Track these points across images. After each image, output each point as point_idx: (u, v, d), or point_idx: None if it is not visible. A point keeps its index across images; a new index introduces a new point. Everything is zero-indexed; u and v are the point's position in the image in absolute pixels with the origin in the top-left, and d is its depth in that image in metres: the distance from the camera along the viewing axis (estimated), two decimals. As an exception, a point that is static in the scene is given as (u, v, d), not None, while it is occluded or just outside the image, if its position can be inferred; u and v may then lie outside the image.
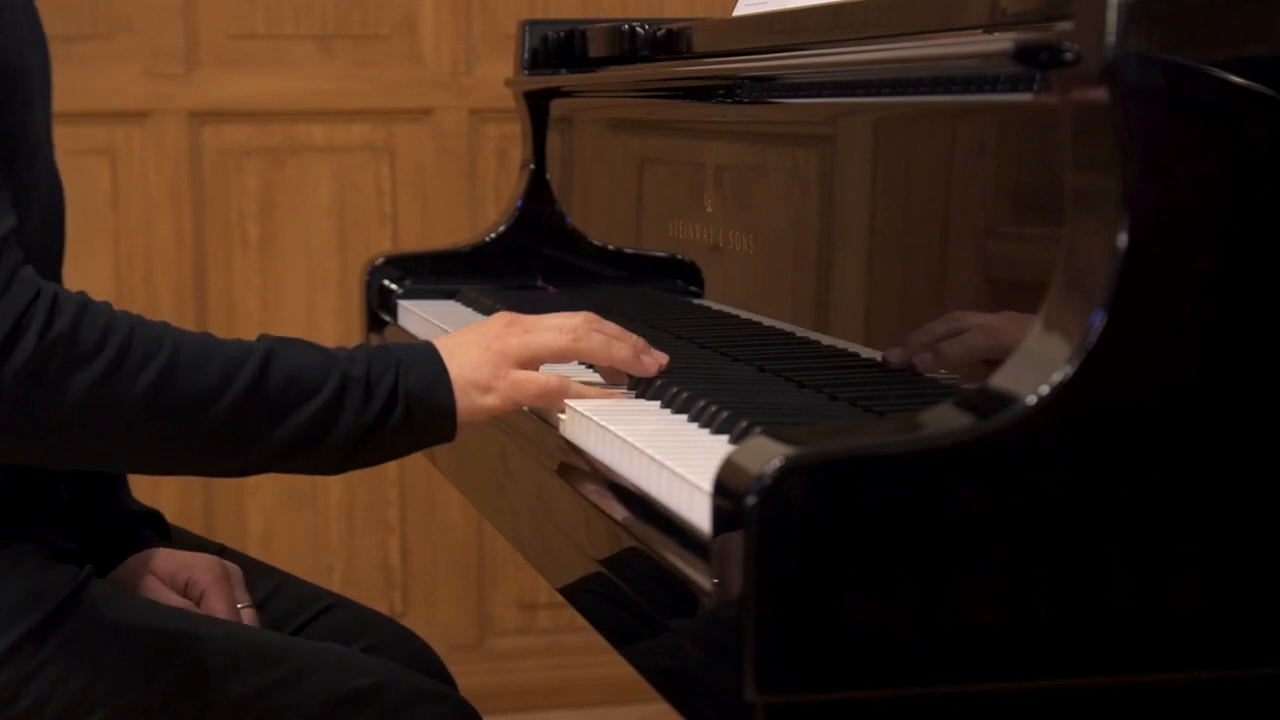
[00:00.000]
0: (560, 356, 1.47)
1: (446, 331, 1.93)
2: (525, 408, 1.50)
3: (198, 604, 1.60)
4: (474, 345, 1.45)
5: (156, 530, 1.69)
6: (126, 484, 1.72)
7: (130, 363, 1.33)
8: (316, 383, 1.39)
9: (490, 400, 1.44)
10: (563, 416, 1.47)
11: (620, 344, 1.49)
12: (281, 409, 1.37)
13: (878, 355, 1.43)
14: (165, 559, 1.63)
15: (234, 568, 1.65)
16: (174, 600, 1.58)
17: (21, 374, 1.30)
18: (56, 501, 1.60)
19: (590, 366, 1.58)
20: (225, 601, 1.61)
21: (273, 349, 1.39)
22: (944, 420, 1.04)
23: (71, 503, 1.63)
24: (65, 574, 1.48)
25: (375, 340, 2.27)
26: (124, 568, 1.62)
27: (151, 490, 3.03)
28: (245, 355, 1.38)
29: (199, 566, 1.63)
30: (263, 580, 1.71)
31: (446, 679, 1.70)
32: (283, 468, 1.41)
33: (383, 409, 1.39)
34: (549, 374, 1.47)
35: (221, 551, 1.70)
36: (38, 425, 1.32)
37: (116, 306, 1.37)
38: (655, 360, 1.50)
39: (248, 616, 1.62)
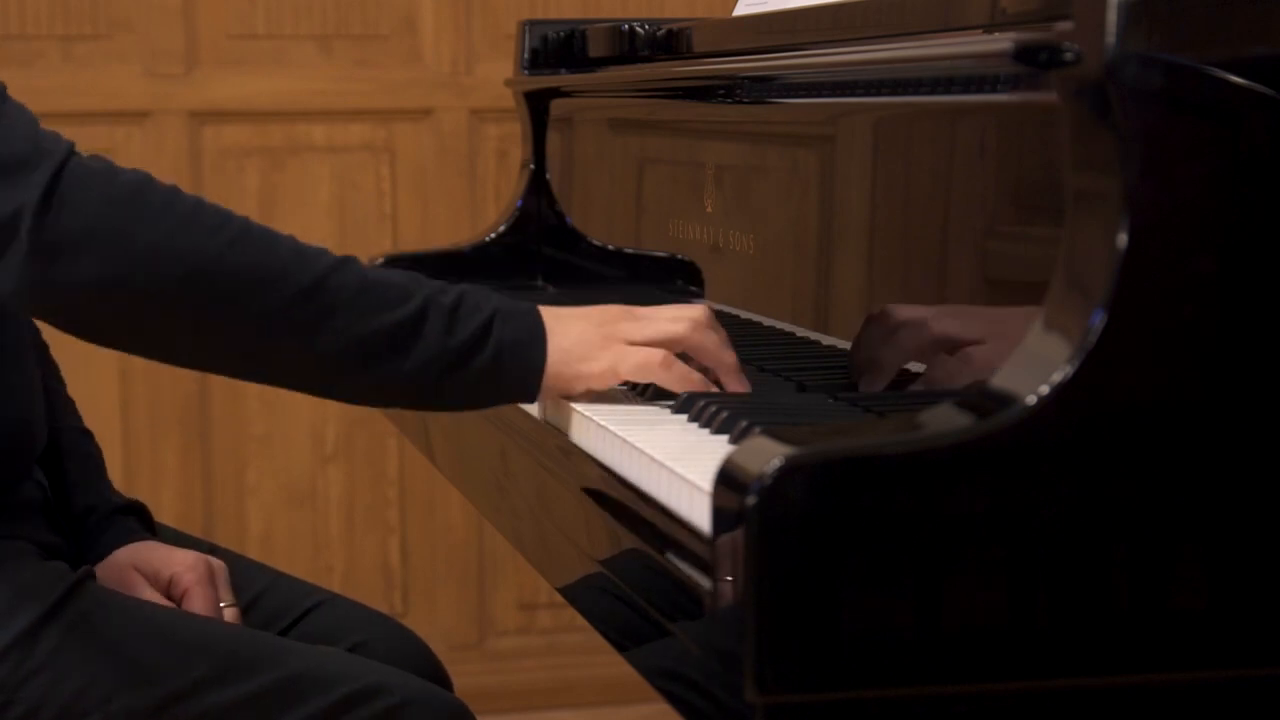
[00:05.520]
0: (673, 344, 1.43)
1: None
2: (618, 383, 1.46)
3: (179, 603, 1.58)
4: (582, 320, 1.42)
5: (141, 522, 1.67)
6: (106, 476, 1.70)
7: (203, 219, 1.35)
8: (397, 297, 1.35)
9: (590, 367, 1.40)
10: (564, 416, 1.47)
11: (730, 350, 1.45)
12: (352, 312, 1.34)
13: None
14: (149, 553, 1.61)
15: (219, 564, 1.62)
16: (157, 599, 1.57)
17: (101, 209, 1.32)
18: (36, 492, 1.59)
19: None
20: (208, 601, 1.58)
21: (353, 258, 1.37)
22: (944, 420, 1.04)
23: (52, 495, 1.62)
24: (53, 572, 1.47)
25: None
26: (109, 563, 1.60)
27: (152, 489, 3.04)
28: (320, 251, 1.37)
29: (182, 564, 1.60)
30: (252, 579, 1.69)
31: (441, 673, 1.70)
32: (354, 383, 1.37)
33: (469, 345, 1.36)
34: (654, 350, 1.43)
35: (213, 550, 1.68)
36: (111, 264, 1.32)
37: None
38: (743, 383, 1.46)
39: (230, 615, 1.59)
